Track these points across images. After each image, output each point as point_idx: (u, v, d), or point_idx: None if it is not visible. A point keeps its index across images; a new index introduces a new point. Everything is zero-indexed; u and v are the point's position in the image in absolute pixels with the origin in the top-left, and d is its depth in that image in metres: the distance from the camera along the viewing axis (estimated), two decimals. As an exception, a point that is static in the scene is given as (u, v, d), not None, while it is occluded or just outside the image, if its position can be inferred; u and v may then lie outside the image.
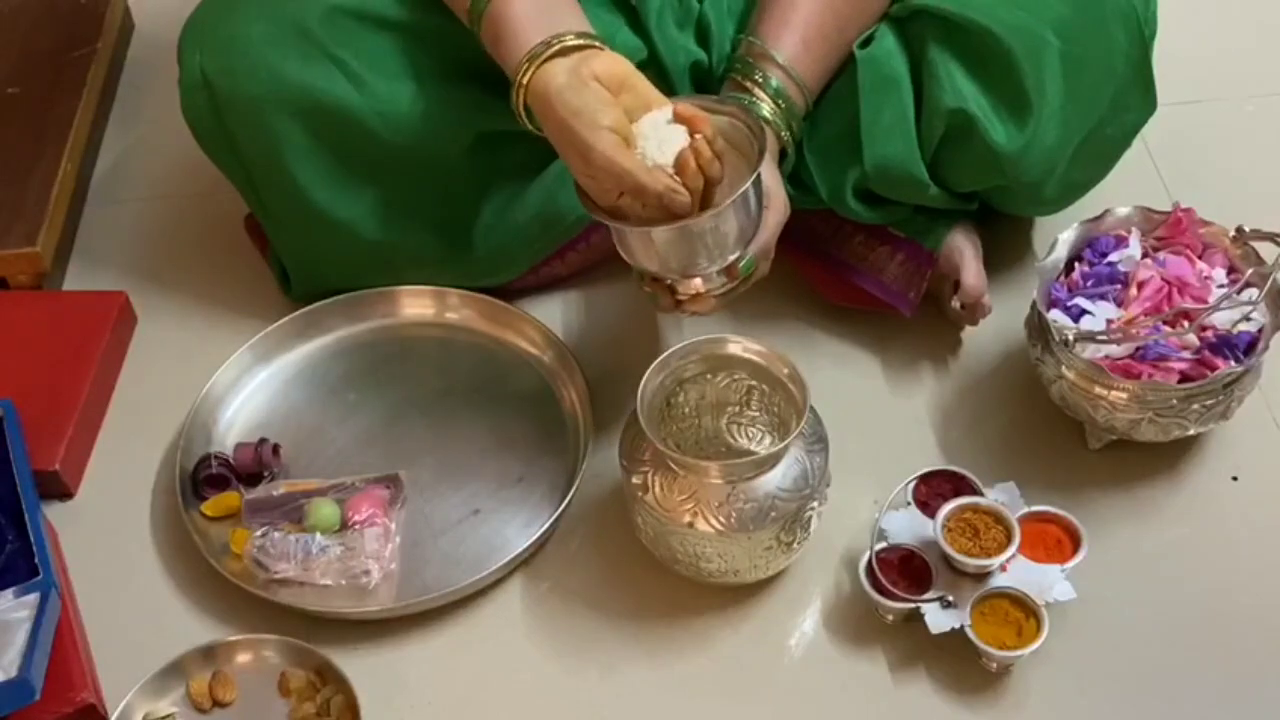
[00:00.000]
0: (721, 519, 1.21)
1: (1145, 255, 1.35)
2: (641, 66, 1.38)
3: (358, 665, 1.25)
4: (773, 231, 1.27)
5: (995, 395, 1.43)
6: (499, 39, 1.22)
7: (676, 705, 1.25)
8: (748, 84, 1.30)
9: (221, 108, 1.36)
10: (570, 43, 1.19)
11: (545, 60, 1.18)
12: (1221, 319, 1.29)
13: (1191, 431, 1.31)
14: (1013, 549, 1.23)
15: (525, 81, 1.19)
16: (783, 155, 1.32)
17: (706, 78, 1.40)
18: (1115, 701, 1.23)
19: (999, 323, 1.44)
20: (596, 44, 1.20)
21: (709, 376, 1.29)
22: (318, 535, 1.31)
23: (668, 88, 1.37)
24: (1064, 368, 1.30)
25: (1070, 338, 1.29)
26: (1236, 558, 1.31)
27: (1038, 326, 1.34)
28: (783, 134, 1.30)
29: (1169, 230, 1.36)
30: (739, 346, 1.27)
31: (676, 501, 1.21)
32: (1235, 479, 1.36)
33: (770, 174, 1.27)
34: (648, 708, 1.25)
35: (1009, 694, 1.23)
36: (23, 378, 1.43)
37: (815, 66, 1.32)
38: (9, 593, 1.24)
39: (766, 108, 1.29)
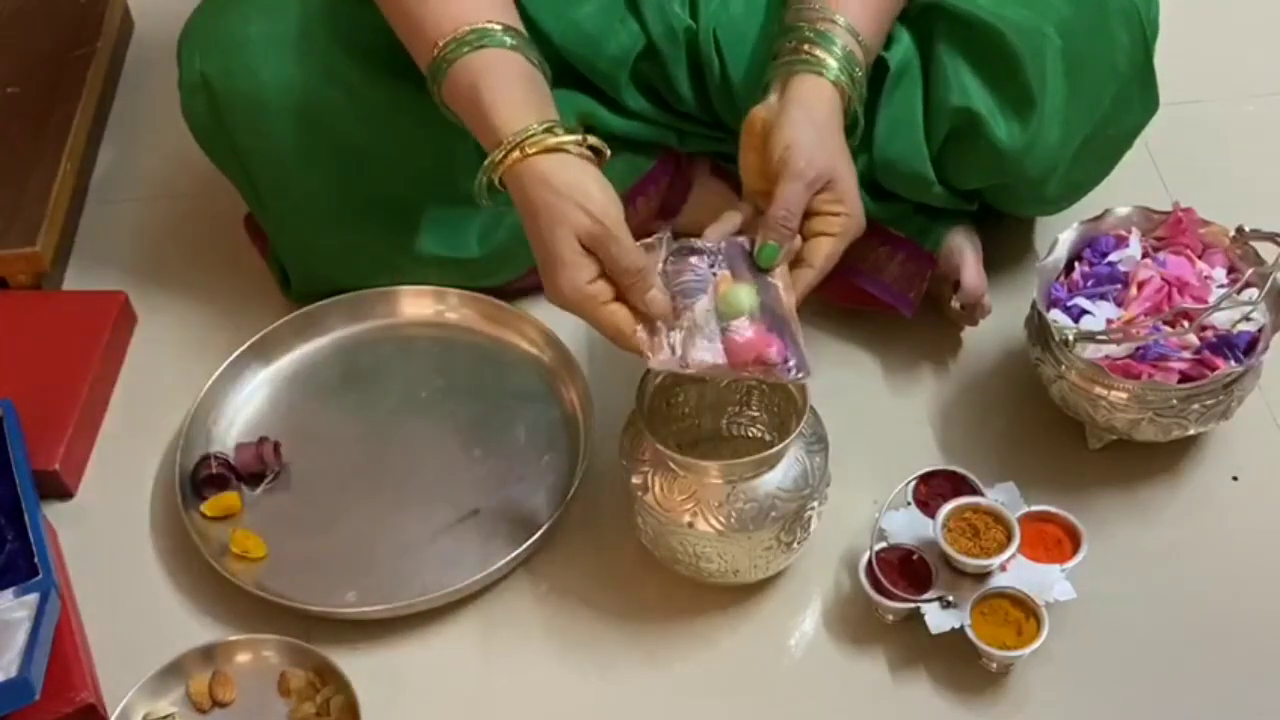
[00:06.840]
0: (721, 519, 1.20)
1: (1145, 255, 1.35)
2: (640, 56, 1.38)
3: (358, 665, 1.25)
4: (801, 194, 1.19)
5: (995, 395, 1.43)
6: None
7: (676, 705, 1.25)
8: (815, 49, 1.23)
9: (221, 109, 1.36)
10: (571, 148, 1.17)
11: (546, 151, 1.17)
12: (1221, 319, 1.29)
13: (1191, 431, 1.31)
14: (1013, 549, 1.23)
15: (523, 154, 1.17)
16: (855, 123, 1.27)
17: (695, 42, 1.38)
18: (1115, 701, 1.23)
19: (999, 323, 1.43)
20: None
21: (709, 376, 1.29)
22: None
23: (663, 75, 1.37)
24: (1064, 368, 1.30)
25: (1070, 338, 1.29)
26: (1236, 558, 1.31)
27: (1038, 326, 1.34)
28: (851, 94, 1.24)
29: (1169, 230, 1.36)
30: (739, 346, 1.26)
31: (676, 501, 1.21)
32: (1235, 479, 1.36)
33: (829, 141, 1.22)
34: (648, 708, 1.25)
35: (1009, 694, 1.23)
36: (23, 378, 1.43)
37: (874, 24, 1.27)
38: (9, 593, 1.24)
39: (837, 70, 1.23)
